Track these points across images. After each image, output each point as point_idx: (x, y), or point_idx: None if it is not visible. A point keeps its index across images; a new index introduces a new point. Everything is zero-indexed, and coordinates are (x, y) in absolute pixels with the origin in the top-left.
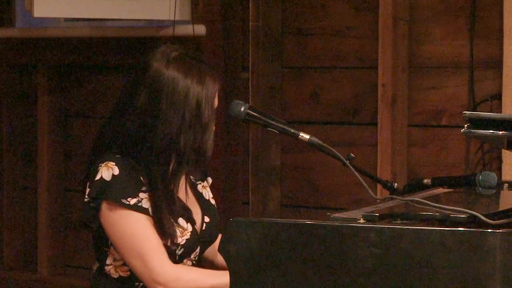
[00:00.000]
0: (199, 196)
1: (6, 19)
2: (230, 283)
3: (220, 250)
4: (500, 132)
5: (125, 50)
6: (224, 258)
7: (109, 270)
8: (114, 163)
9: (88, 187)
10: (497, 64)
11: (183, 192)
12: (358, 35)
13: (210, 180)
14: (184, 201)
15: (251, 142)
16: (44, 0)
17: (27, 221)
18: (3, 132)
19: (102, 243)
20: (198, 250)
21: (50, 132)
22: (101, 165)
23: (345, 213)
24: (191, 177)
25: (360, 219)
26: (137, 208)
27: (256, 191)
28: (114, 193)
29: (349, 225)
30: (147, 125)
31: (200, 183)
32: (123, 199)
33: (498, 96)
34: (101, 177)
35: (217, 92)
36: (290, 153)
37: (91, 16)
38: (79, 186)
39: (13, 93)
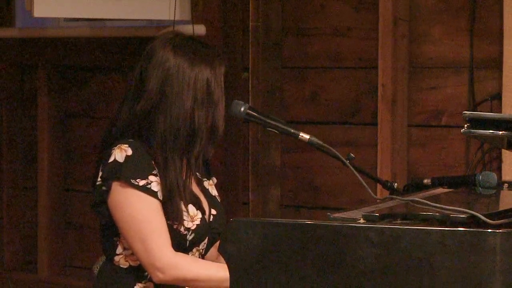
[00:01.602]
0: (205, 191)
1: (6, 19)
2: (230, 283)
3: (220, 250)
4: (500, 132)
5: (125, 50)
6: (224, 258)
7: (119, 260)
8: (127, 145)
9: (101, 171)
10: (497, 64)
11: (194, 185)
12: (358, 35)
13: (215, 180)
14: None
15: (251, 142)
16: (44, 0)
17: (27, 221)
18: (3, 132)
19: (112, 232)
20: (206, 240)
21: (50, 132)
22: (114, 149)
23: (345, 213)
24: (198, 174)
25: (360, 219)
26: (145, 189)
27: (256, 191)
28: (125, 173)
29: (349, 225)
30: (160, 107)
31: (206, 180)
32: (132, 179)
33: (498, 96)
34: (115, 159)
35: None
36: (290, 153)
37: (91, 16)
38: (93, 178)
39: (13, 93)
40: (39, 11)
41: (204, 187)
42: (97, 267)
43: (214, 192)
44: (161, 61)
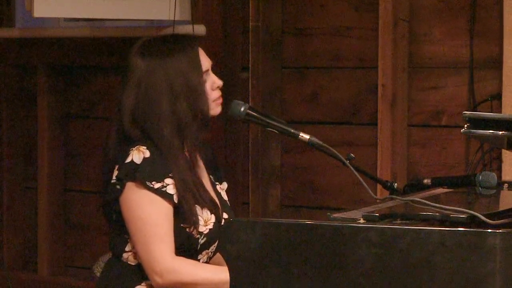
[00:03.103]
0: (218, 195)
1: (6, 19)
2: (230, 283)
3: (220, 250)
4: (500, 132)
5: (125, 50)
6: (224, 258)
7: (127, 257)
8: (145, 147)
9: (117, 170)
10: (497, 64)
11: (209, 187)
12: (358, 35)
13: (225, 185)
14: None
15: (251, 142)
16: (44, 0)
17: (27, 221)
18: (3, 132)
19: (123, 229)
20: (216, 244)
21: (50, 132)
22: (132, 149)
23: (345, 213)
24: (211, 176)
25: (360, 219)
26: (159, 192)
27: (256, 191)
28: (141, 175)
29: (349, 225)
30: (142, 115)
31: (218, 185)
32: (147, 181)
33: (498, 96)
34: (132, 160)
35: (199, 52)
36: (290, 153)
37: (91, 16)
38: (106, 178)
39: (13, 93)
40: (39, 11)
41: (217, 191)
42: (97, 267)
43: (225, 197)
44: (133, 71)
